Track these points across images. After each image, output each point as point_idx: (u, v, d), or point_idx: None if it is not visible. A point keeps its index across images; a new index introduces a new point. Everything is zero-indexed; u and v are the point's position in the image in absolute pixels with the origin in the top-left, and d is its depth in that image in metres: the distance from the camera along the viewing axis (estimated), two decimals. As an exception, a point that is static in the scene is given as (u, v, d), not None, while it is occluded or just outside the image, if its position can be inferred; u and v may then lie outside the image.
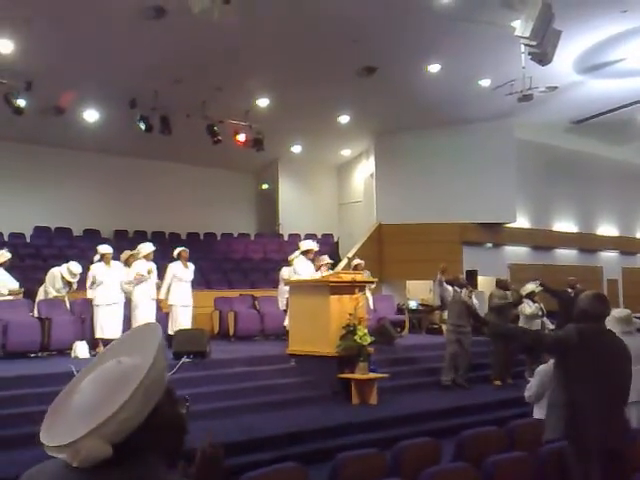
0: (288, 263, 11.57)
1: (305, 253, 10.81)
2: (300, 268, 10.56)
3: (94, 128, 13.60)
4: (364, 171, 17.77)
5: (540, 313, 10.46)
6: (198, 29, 10.06)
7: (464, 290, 10.08)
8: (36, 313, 9.75)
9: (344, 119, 14.87)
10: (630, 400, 4.14)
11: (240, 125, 13.62)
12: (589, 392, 3.74)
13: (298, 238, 16.78)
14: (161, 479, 1.25)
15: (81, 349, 9.19)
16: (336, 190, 19.00)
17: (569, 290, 11.56)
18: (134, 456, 1.23)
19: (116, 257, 10.26)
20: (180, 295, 10.42)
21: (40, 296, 10.23)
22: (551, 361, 5.58)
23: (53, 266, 10.73)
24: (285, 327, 10.64)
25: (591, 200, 18.62)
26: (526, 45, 9.63)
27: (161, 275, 10.38)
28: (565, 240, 17.84)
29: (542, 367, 5.68)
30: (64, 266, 10.24)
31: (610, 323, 4.44)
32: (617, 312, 5.03)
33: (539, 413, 5.50)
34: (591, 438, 3.69)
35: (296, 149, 17.00)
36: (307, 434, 7.01)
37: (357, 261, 11.27)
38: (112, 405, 1.20)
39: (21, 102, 10.77)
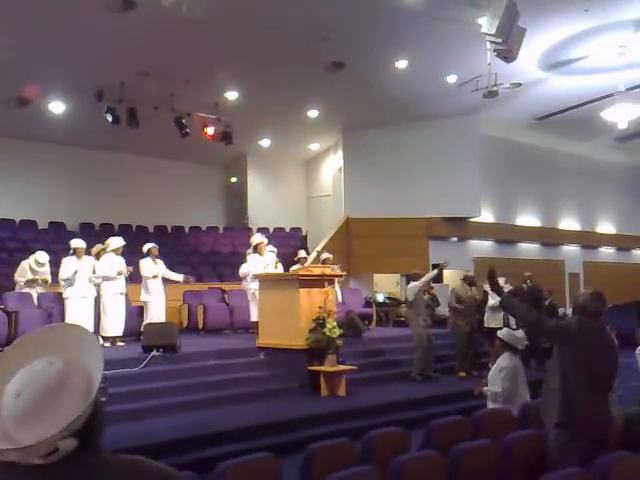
0: (244, 260, 11.68)
1: (256, 248, 10.87)
2: (252, 265, 10.63)
3: (60, 120, 13.42)
4: (332, 165, 17.87)
5: (503, 306, 10.68)
6: (167, 22, 10.01)
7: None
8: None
9: (313, 113, 14.92)
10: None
11: (209, 118, 13.58)
12: (579, 380, 3.99)
13: (267, 232, 16.82)
14: (109, 460, 1.36)
15: (48, 343, 9.10)
16: (304, 184, 19.06)
17: (523, 286, 11.83)
18: (90, 442, 1.34)
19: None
20: (153, 291, 10.42)
21: (17, 290, 10.20)
22: (505, 354, 5.68)
23: (18, 260, 10.66)
24: (251, 321, 10.70)
25: (553, 195, 19.03)
26: (492, 42, 9.83)
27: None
28: (528, 234, 18.21)
29: (504, 364, 5.66)
30: (31, 257, 10.21)
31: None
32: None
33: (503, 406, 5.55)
34: (581, 426, 3.93)
35: (265, 143, 17.00)
36: (278, 426, 7.09)
37: (326, 255, 11.38)
38: (69, 406, 1.29)
39: (-15, 93, 10.57)
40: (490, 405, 5.68)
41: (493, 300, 10.59)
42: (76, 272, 9.52)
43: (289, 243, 16.56)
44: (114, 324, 9.91)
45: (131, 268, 10.18)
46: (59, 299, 9.82)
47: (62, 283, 9.73)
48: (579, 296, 4.33)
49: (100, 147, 15.51)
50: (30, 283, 10.22)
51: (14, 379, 1.31)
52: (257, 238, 11.13)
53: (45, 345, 1.39)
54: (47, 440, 1.25)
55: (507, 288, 10.92)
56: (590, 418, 3.96)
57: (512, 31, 9.69)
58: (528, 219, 18.47)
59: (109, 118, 12.29)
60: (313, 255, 13.69)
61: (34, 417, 1.26)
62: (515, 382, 5.61)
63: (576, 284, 19.20)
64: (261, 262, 10.61)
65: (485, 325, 10.61)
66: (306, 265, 10.28)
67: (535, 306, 10.10)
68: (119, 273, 9.88)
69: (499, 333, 5.94)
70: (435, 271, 10.51)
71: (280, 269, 10.58)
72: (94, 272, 9.77)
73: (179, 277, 10.86)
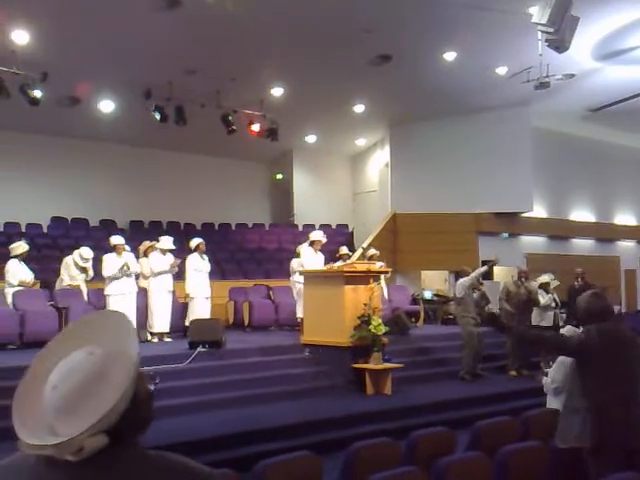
0: (296, 254, 11.61)
1: (312, 244, 10.80)
2: (306, 259, 10.57)
3: (110, 119, 13.65)
4: (379, 161, 17.70)
5: (553, 304, 10.37)
6: (212, 19, 10.05)
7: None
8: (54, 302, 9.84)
9: (359, 108, 14.80)
10: None
11: (254, 115, 13.61)
12: (610, 394, 3.76)
13: (313, 228, 16.77)
14: (141, 457, 1.30)
15: (98, 338, 9.24)
16: (350, 180, 18.94)
17: (575, 283, 11.45)
18: (123, 438, 1.28)
19: (132, 247, 10.32)
20: (200, 287, 10.48)
21: (57, 286, 10.36)
22: None
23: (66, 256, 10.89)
24: (297, 317, 10.66)
25: (608, 189, 18.42)
26: (543, 32, 9.54)
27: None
28: (582, 229, 17.68)
29: (564, 359, 5.58)
30: (76, 252, 10.40)
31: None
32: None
33: (554, 404, 5.44)
34: (616, 443, 3.70)
35: (310, 139, 16.96)
36: (321, 423, 7.02)
37: (372, 251, 11.23)
38: (105, 398, 1.24)
39: (37, 93, 10.81)
40: (551, 400, 5.54)
41: (543, 300, 10.30)
42: (122, 266, 9.61)
43: (335, 240, 16.46)
44: (161, 320, 10.02)
45: (179, 261, 10.25)
46: (103, 295, 9.97)
47: (107, 281, 9.86)
48: (579, 302, 4.07)
49: (148, 145, 15.73)
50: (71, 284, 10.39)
51: (54, 370, 1.28)
52: (316, 235, 11.03)
53: (85, 334, 1.36)
54: (78, 436, 1.21)
55: (554, 284, 10.61)
56: (625, 431, 3.70)
57: (564, 20, 9.37)
58: (582, 214, 17.93)
59: (157, 116, 12.45)
60: (359, 252, 13.58)
61: (70, 409, 1.23)
62: (568, 378, 5.42)
63: (632, 281, 18.57)
64: (317, 259, 10.55)
65: (533, 324, 10.29)
66: (351, 261, 10.17)
67: None
68: (172, 266, 9.93)
69: (563, 330, 5.78)
70: (484, 267, 10.26)
71: (321, 259, 10.55)
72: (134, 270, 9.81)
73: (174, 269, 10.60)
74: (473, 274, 9.86)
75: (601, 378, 3.79)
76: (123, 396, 1.24)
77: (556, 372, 5.50)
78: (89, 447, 1.22)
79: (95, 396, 1.24)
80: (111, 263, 9.68)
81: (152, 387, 1.37)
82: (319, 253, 10.85)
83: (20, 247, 9.97)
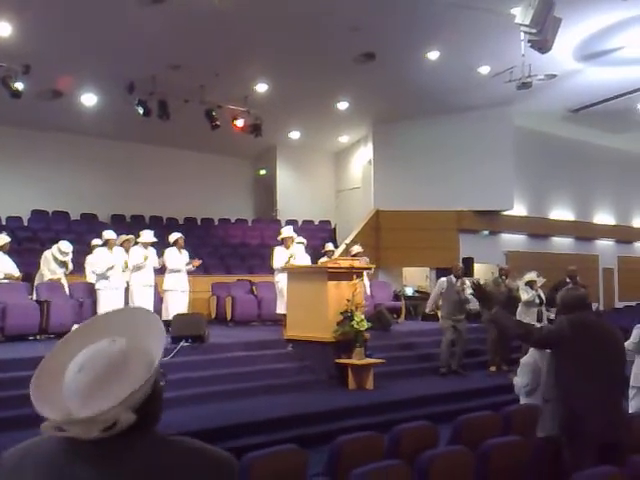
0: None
1: (283, 240, 10.73)
2: (277, 257, 10.50)
3: (92, 112, 13.56)
4: (362, 158, 17.77)
5: (538, 301, 10.50)
6: (197, 14, 10.03)
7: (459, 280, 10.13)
8: (35, 296, 9.78)
9: (343, 105, 14.84)
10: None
11: (238, 110, 13.59)
12: (586, 385, 3.76)
13: (296, 224, 16.81)
14: (165, 441, 1.35)
15: (79, 332, 9.20)
16: (334, 176, 18.99)
17: (567, 281, 11.55)
18: (145, 424, 1.33)
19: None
20: (176, 281, 10.46)
21: (37, 280, 10.29)
22: (532, 352, 5.60)
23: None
24: (278, 313, 10.66)
25: (588, 188, 18.68)
26: (526, 33, 9.63)
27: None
28: (562, 228, 17.91)
29: (526, 359, 5.64)
30: (55, 246, 10.35)
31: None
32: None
33: (527, 400, 5.51)
34: (589, 432, 3.71)
35: (294, 135, 16.98)
36: (305, 418, 7.07)
37: (357, 249, 11.26)
38: (133, 378, 1.30)
39: (19, 85, 10.72)
40: (523, 400, 5.62)
41: (527, 295, 10.41)
42: (112, 266, 9.61)
43: (318, 236, 16.51)
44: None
45: (162, 260, 10.26)
46: (90, 289, 9.93)
47: (94, 275, 9.84)
48: (557, 298, 4.14)
49: (131, 139, 15.64)
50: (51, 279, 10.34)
51: (78, 356, 1.33)
52: (286, 232, 10.99)
53: (110, 326, 1.42)
54: (107, 412, 1.26)
55: (540, 282, 10.73)
56: (600, 422, 3.71)
57: (547, 21, 9.48)
58: (562, 213, 18.16)
59: (140, 110, 12.39)
60: (342, 248, 13.63)
61: (95, 390, 1.28)
62: (536, 378, 5.51)
63: (610, 279, 18.85)
64: (286, 254, 10.51)
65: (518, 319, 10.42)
66: (334, 258, 10.21)
67: None
68: (145, 259, 9.94)
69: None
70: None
71: (307, 261, 10.52)
72: (125, 263, 9.86)
73: (190, 267, 10.72)
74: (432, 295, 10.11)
75: (572, 367, 3.81)
76: (148, 380, 1.31)
77: (522, 374, 5.56)
78: (124, 421, 1.27)
79: (119, 379, 1.29)
80: (103, 259, 9.65)
81: (162, 383, 1.41)
82: (295, 246, 10.66)
83: (0, 239, 9.88)
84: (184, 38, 10.98)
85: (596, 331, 3.92)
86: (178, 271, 10.39)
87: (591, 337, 3.85)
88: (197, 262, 10.48)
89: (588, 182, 18.51)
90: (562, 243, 18.06)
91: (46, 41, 10.70)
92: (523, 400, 5.61)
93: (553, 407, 3.90)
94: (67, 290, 10.23)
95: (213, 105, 13.12)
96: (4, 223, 14.22)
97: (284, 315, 10.02)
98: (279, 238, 10.91)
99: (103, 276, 9.66)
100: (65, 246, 10.33)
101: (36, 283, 10.27)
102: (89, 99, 13.22)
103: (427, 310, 11.09)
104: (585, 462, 3.61)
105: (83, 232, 13.92)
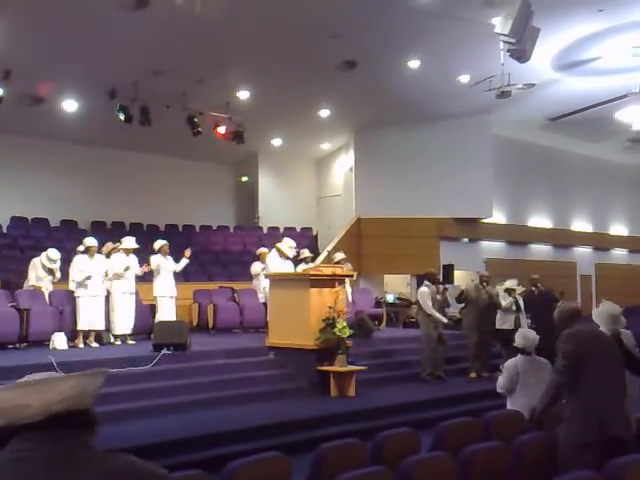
0: (258, 258, 11.59)
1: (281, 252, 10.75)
2: (272, 263, 10.54)
3: (73, 118, 13.48)
4: (343, 165, 17.84)
5: (514, 308, 10.62)
6: (180, 21, 10.04)
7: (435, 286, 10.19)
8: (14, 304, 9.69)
9: (324, 113, 14.92)
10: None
11: (220, 117, 13.60)
12: (594, 389, 3.99)
13: (277, 231, 16.83)
14: (102, 456, 1.39)
15: (59, 340, 9.15)
16: (315, 183, 19.05)
17: (532, 288, 11.72)
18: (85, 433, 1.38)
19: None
20: (165, 286, 10.46)
21: (25, 286, 10.27)
22: (516, 358, 5.74)
23: (30, 257, 10.76)
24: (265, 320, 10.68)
25: (566, 196, 18.92)
26: (505, 42, 9.78)
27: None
28: (540, 235, 18.12)
29: (509, 362, 5.79)
30: (43, 254, 10.30)
31: (600, 319, 4.62)
32: (610, 308, 4.90)
33: (510, 405, 5.63)
34: (598, 429, 3.90)
35: (276, 142, 17.01)
36: (287, 425, 7.08)
37: (341, 255, 11.29)
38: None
39: (-1, 91, 10.64)
40: (508, 402, 5.74)
41: (505, 302, 10.53)
42: (89, 275, 9.58)
43: (299, 243, 16.49)
44: (123, 322, 9.96)
45: (145, 268, 10.25)
46: (70, 297, 9.86)
47: (72, 282, 9.79)
48: (554, 315, 4.45)
49: (112, 145, 15.56)
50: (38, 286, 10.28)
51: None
52: (288, 243, 10.93)
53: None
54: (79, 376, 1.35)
55: (519, 290, 10.87)
56: (605, 418, 3.93)
57: (526, 31, 9.63)
58: (540, 220, 18.37)
59: (121, 117, 12.34)
60: (324, 255, 13.67)
61: (37, 384, 1.32)
62: (511, 382, 5.64)
63: (588, 286, 19.08)
64: (282, 265, 10.53)
65: (497, 327, 10.53)
66: (316, 265, 10.24)
67: (548, 309, 10.02)
68: (126, 269, 9.92)
69: (517, 335, 5.99)
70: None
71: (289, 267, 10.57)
72: (106, 272, 9.85)
73: (183, 263, 10.87)
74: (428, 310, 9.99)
75: (589, 376, 4.01)
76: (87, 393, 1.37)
77: (502, 375, 5.74)
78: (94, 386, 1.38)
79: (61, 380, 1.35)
80: (82, 266, 9.61)
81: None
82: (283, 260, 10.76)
83: None
84: (167, 44, 10.97)
85: (595, 337, 4.19)
86: (167, 275, 10.50)
87: (594, 344, 4.11)
88: (188, 252, 10.67)
89: (566, 190, 18.75)
90: (540, 250, 18.26)
91: (27, 46, 10.62)
92: (508, 402, 5.75)
93: (577, 417, 4.02)
94: (47, 298, 10.15)
95: (195, 112, 13.11)
96: (-18, 230, 14.08)
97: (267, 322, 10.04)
98: (302, 257, 11.01)
99: (82, 284, 9.62)
100: (53, 253, 10.26)
101: (24, 288, 10.25)
102: (70, 105, 13.14)
103: (445, 320, 10.64)
104: (585, 458, 3.79)
105: (63, 239, 13.81)
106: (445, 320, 10.08)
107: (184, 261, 10.85)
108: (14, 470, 1.28)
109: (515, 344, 5.81)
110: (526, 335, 5.86)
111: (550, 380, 4.30)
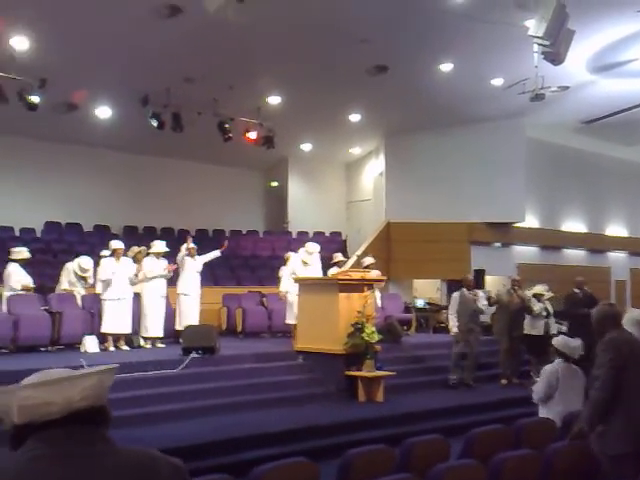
0: (284, 261, 11.60)
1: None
2: (292, 268, 10.56)
3: (106, 125, 13.67)
4: (373, 169, 17.78)
5: (545, 313, 10.44)
6: (212, 27, 10.11)
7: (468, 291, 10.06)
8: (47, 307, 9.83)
9: (355, 117, 14.88)
10: None
11: (251, 123, 13.66)
12: (633, 398, 3.93)
13: (306, 236, 16.84)
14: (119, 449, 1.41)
15: (90, 343, 9.26)
16: (345, 188, 19.01)
17: (576, 291, 11.49)
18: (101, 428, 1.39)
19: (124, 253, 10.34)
20: (188, 285, 10.51)
21: (57, 290, 10.44)
22: (557, 360, 5.62)
23: (64, 261, 10.92)
24: (288, 324, 10.67)
25: (600, 200, 18.57)
26: (539, 45, 9.62)
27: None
28: (574, 240, 17.80)
29: (547, 367, 5.68)
30: (75, 261, 10.42)
31: (628, 325, 4.49)
32: (635, 314, 4.84)
33: (545, 412, 5.51)
34: (636, 439, 3.84)
35: (306, 147, 17.03)
36: (314, 430, 7.04)
37: (369, 260, 11.25)
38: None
39: (35, 98, 10.82)
40: (542, 410, 5.62)
41: (535, 307, 10.36)
42: (114, 273, 9.67)
43: (329, 247, 16.49)
44: (154, 325, 10.04)
45: (174, 266, 10.33)
46: (99, 300, 9.96)
47: (99, 283, 9.88)
48: (592, 315, 4.31)
49: (144, 152, 15.75)
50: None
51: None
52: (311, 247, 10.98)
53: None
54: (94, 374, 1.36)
55: (548, 295, 10.68)
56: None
57: (561, 33, 9.47)
58: (574, 225, 18.06)
59: (154, 123, 12.48)
60: (353, 259, 13.61)
61: (59, 382, 1.34)
62: (550, 388, 5.52)
63: (622, 292, 18.68)
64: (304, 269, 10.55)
65: (525, 332, 10.35)
66: (345, 269, 10.19)
67: (584, 317, 9.80)
68: (168, 271, 10.10)
69: (554, 340, 5.87)
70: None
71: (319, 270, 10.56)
72: (136, 274, 9.93)
73: (216, 252, 10.96)
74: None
75: (629, 383, 3.95)
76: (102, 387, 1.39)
77: (540, 381, 5.61)
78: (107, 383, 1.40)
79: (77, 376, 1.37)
80: (108, 268, 9.71)
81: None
82: (313, 263, 10.79)
83: (21, 253, 9.98)
84: (198, 51, 11.06)
85: (632, 344, 4.10)
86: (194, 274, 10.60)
87: (632, 351, 4.03)
88: (172, 267, 10.48)
89: (600, 194, 18.41)
90: (574, 255, 17.94)
91: (62, 55, 10.82)
92: (540, 409, 5.63)
93: (616, 427, 3.93)
94: (80, 302, 10.28)
95: (226, 117, 13.20)
96: (18, 234, 14.35)
97: (293, 325, 10.03)
98: (335, 261, 11.01)
99: (107, 286, 9.69)
100: (85, 262, 10.38)
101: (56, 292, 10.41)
102: (103, 112, 13.34)
103: (454, 330, 10.57)
104: (627, 467, 3.73)
105: (96, 243, 13.98)
106: (454, 330, 9.93)
107: (215, 252, 10.86)
108: (32, 468, 1.29)
109: (560, 350, 5.66)
110: (569, 343, 5.72)
111: (595, 396, 4.07)
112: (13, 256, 9.95)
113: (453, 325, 9.96)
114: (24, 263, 9.99)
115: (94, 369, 1.39)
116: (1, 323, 9.05)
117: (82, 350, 9.18)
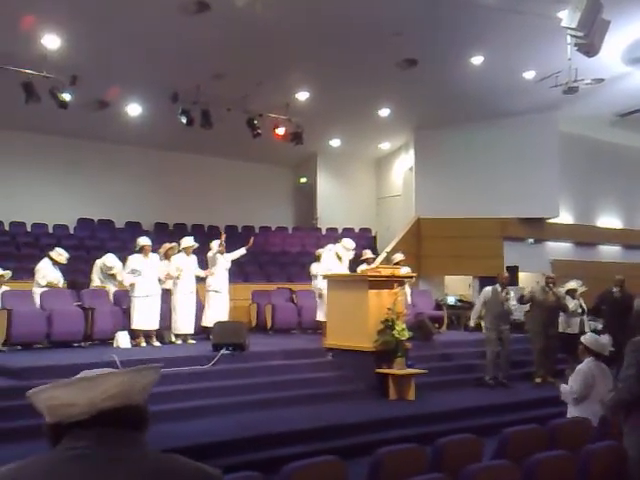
0: (316, 259, 11.53)
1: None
2: (326, 264, 10.52)
3: (137, 122, 13.80)
4: (403, 165, 17.64)
5: (580, 310, 10.22)
6: (240, 23, 10.11)
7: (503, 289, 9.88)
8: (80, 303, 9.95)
9: (384, 112, 14.77)
10: None
11: (280, 119, 13.65)
12: None
13: (336, 232, 16.77)
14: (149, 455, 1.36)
15: (123, 339, 9.33)
16: (374, 184, 18.91)
17: (614, 289, 11.21)
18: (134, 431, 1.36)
19: (156, 250, 10.40)
20: (217, 282, 10.52)
21: (90, 286, 10.58)
22: (588, 359, 5.47)
23: (96, 257, 11.04)
24: (318, 321, 10.64)
25: (636, 195, 18.15)
26: (573, 36, 9.43)
27: (204, 267, 10.55)
28: (609, 236, 17.44)
29: (581, 366, 5.52)
30: (103, 257, 10.53)
31: None
32: None
33: (576, 412, 5.37)
34: None
35: (335, 143, 16.96)
36: (344, 428, 6.99)
37: (399, 257, 11.14)
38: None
39: (66, 96, 10.96)
40: (572, 409, 5.48)
41: (571, 305, 10.15)
42: (139, 269, 9.70)
43: (358, 243, 16.33)
44: (185, 322, 10.07)
45: (208, 272, 10.34)
46: (128, 296, 10.02)
47: (124, 277, 9.92)
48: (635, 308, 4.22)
49: (174, 148, 15.86)
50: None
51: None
52: (347, 244, 10.95)
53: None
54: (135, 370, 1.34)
55: (581, 291, 10.46)
56: None
57: (595, 24, 9.25)
58: (609, 220, 17.69)
59: (183, 120, 12.54)
60: (382, 256, 13.52)
61: (83, 382, 1.30)
62: (587, 387, 5.38)
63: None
64: (335, 264, 10.53)
65: (560, 330, 10.14)
66: (375, 266, 10.11)
67: (621, 316, 9.54)
68: (178, 273, 10.07)
69: (582, 338, 5.73)
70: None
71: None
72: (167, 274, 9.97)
73: (242, 250, 11.01)
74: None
75: None
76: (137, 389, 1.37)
77: (574, 380, 5.45)
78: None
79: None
80: (134, 263, 9.77)
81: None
82: (344, 260, 10.76)
83: (60, 256, 10.13)
84: (227, 48, 11.08)
85: None
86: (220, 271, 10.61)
87: None
88: (252, 240, 10.78)
89: (636, 188, 17.99)
90: (610, 251, 17.57)
91: (93, 52, 10.94)
92: (571, 409, 5.48)
93: None
94: (112, 297, 10.38)
95: (255, 114, 13.20)
96: (51, 231, 14.57)
97: (323, 323, 9.99)
98: (364, 258, 10.99)
99: (135, 281, 9.73)
100: (109, 260, 10.47)
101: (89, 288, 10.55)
102: (134, 109, 13.45)
103: (472, 323, 10.69)
104: None
105: (127, 240, 14.11)
106: (472, 323, 9.88)
107: (241, 250, 10.89)
108: (57, 468, 1.26)
109: (591, 348, 5.53)
110: (599, 340, 5.60)
111: (616, 397, 4.06)
112: (52, 254, 10.08)
113: (474, 316, 9.91)
114: (57, 264, 10.13)
115: (128, 369, 1.36)
116: (35, 319, 9.18)
117: (115, 346, 9.26)
